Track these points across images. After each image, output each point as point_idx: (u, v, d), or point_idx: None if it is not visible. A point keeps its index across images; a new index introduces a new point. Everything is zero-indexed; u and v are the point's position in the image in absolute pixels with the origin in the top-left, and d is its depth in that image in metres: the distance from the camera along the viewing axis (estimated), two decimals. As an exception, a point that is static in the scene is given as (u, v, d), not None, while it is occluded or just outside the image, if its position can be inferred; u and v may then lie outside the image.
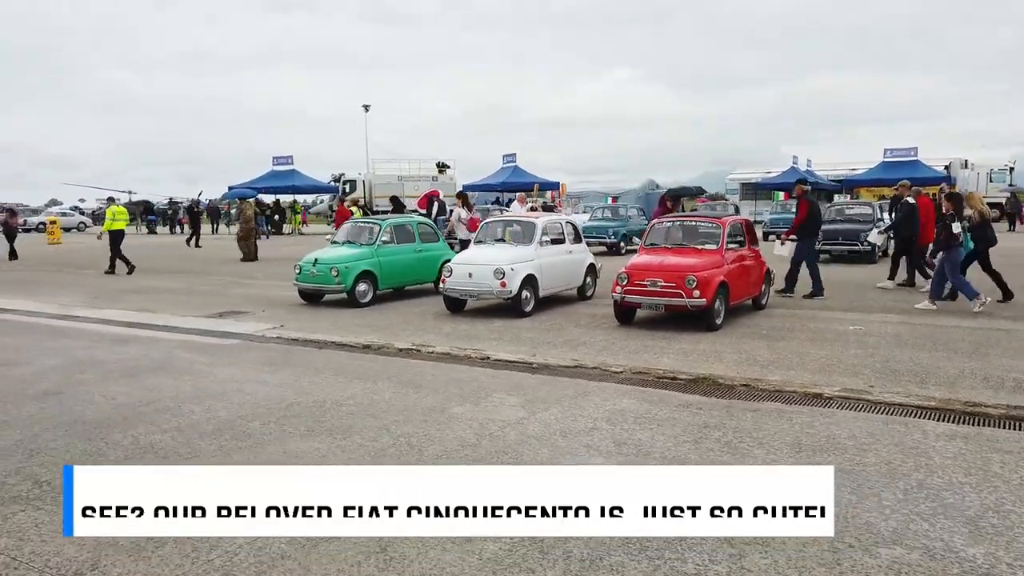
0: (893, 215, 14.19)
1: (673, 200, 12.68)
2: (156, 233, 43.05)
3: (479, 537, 3.66)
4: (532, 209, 19.22)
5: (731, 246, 9.84)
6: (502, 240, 11.42)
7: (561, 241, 11.56)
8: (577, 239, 12.10)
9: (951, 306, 10.83)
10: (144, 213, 45.85)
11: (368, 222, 13.37)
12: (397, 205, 21.24)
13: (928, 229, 12.26)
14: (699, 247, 9.72)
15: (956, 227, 10.44)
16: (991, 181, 41.61)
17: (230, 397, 6.44)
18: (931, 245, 11.83)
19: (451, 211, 17.31)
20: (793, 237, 12.18)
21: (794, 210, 28.63)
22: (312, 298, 12.41)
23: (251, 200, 26.39)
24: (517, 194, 19.65)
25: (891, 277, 13.37)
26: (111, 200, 20.02)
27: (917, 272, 12.96)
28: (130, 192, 57.32)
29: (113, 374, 7.37)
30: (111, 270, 18.05)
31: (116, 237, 18.17)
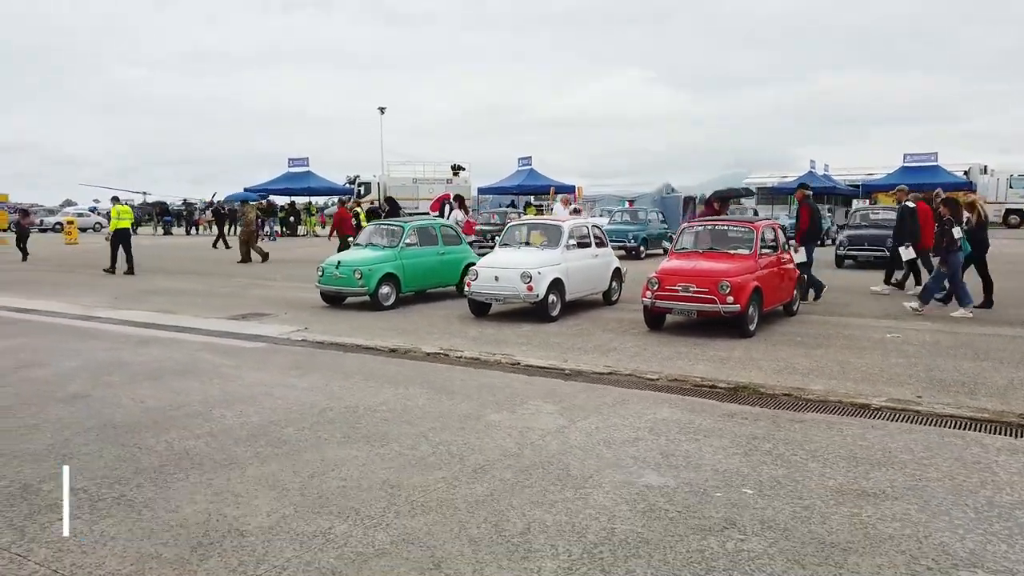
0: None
1: (720, 202, 12.46)
2: (172, 234, 43.18)
3: (537, 554, 3.51)
4: (576, 211, 19.01)
5: (764, 251, 9.66)
6: (528, 243, 11.27)
7: (587, 245, 11.40)
8: (603, 243, 11.93)
9: (988, 315, 10.61)
10: (160, 214, 46.00)
11: (391, 224, 13.25)
12: (393, 206, 21.04)
13: (926, 233, 12.14)
14: (731, 252, 9.54)
15: (957, 231, 10.41)
16: (1011, 187, 41.18)
17: (260, 402, 6.31)
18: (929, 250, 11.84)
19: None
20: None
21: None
22: (334, 300, 12.30)
23: (252, 203, 26.44)
24: (560, 195, 19.37)
25: (917, 282, 13.23)
26: (115, 200, 20.02)
27: (912, 274, 13.10)
28: (144, 193, 57.64)
29: (139, 376, 7.26)
30: (130, 270, 18.06)
31: (122, 236, 18.22)
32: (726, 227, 10.09)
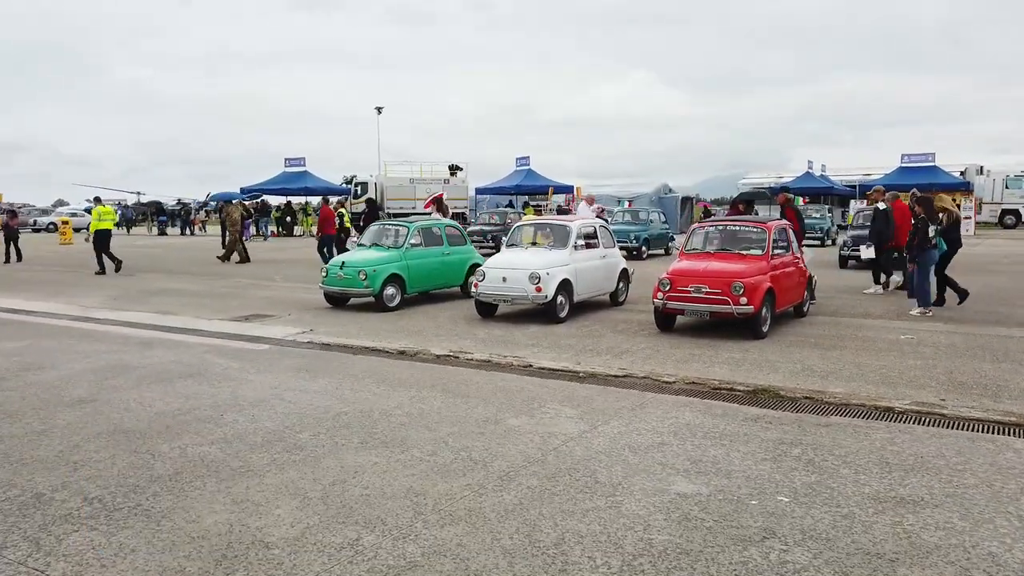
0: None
1: (746, 204, 12.53)
2: (167, 234, 42.90)
3: (575, 567, 3.39)
4: (601, 211, 18.82)
5: (776, 252, 9.56)
6: (535, 243, 11.15)
7: (595, 245, 11.28)
8: (610, 243, 11.82)
9: (1004, 316, 10.55)
10: (155, 214, 45.70)
11: (396, 224, 13.11)
12: (372, 208, 20.73)
13: (903, 232, 12.31)
14: (744, 252, 9.44)
15: (931, 230, 10.60)
16: (1007, 187, 41.32)
17: (272, 406, 6.17)
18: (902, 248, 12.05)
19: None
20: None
21: (816, 216, 28.26)
22: (338, 301, 12.16)
23: (236, 202, 26.34)
24: (584, 195, 19.08)
25: (876, 281, 13.62)
26: (97, 200, 19.83)
27: (883, 273, 13.35)
28: (139, 193, 57.34)
29: (146, 380, 7.11)
30: (117, 268, 17.94)
31: (103, 236, 18.12)
32: (738, 227, 9.99)
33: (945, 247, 11.17)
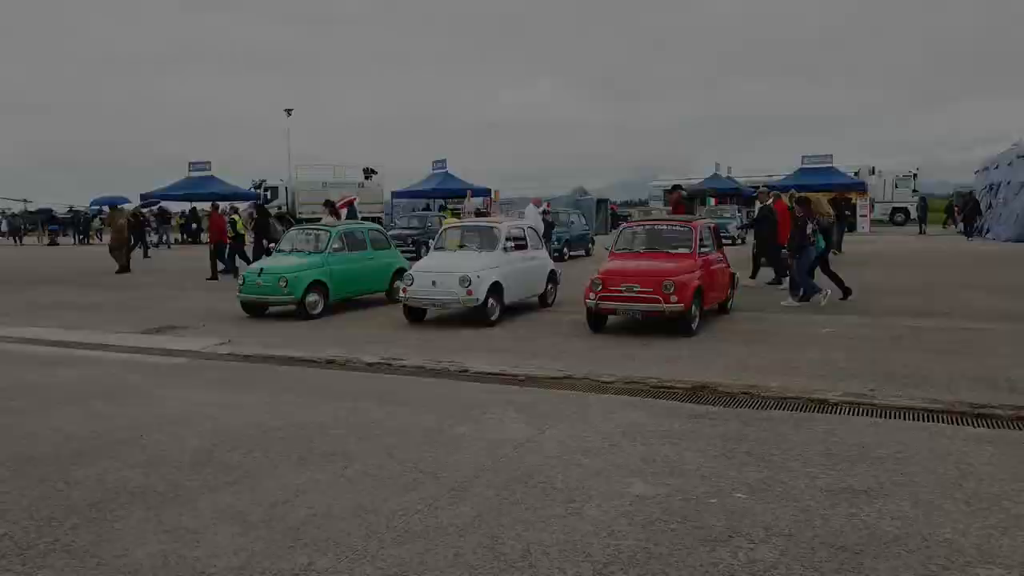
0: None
1: (687, 203, 13.05)
2: (58, 243, 40.30)
3: (547, 580, 3.25)
4: (545, 212, 18.74)
5: (702, 250, 9.73)
6: (463, 246, 10.97)
7: (524, 247, 11.20)
8: (538, 245, 11.77)
9: (913, 308, 11.09)
10: (46, 222, 42.87)
11: (317, 228, 12.64)
12: (262, 214, 20.00)
13: (784, 231, 12.95)
14: (671, 251, 9.56)
15: (809, 228, 11.29)
16: (897, 187, 44.04)
17: (197, 423, 5.76)
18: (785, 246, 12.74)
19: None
20: None
21: (727, 216, 29.20)
22: (256, 310, 11.61)
23: (123, 208, 25.00)
24: (532, 197, 18.85)
25: (752, 276, 14.48)
26: None
27: (777, 271, 14.08)
28: (26, 200, 53.67)
29: (52, 401, 6.53)
30: None
31: None
32: (665, 227, 10.12)
33: (823, 245, 11.78)
